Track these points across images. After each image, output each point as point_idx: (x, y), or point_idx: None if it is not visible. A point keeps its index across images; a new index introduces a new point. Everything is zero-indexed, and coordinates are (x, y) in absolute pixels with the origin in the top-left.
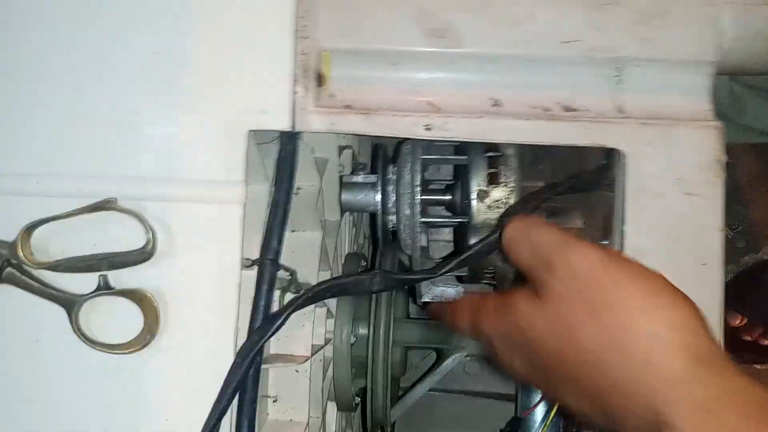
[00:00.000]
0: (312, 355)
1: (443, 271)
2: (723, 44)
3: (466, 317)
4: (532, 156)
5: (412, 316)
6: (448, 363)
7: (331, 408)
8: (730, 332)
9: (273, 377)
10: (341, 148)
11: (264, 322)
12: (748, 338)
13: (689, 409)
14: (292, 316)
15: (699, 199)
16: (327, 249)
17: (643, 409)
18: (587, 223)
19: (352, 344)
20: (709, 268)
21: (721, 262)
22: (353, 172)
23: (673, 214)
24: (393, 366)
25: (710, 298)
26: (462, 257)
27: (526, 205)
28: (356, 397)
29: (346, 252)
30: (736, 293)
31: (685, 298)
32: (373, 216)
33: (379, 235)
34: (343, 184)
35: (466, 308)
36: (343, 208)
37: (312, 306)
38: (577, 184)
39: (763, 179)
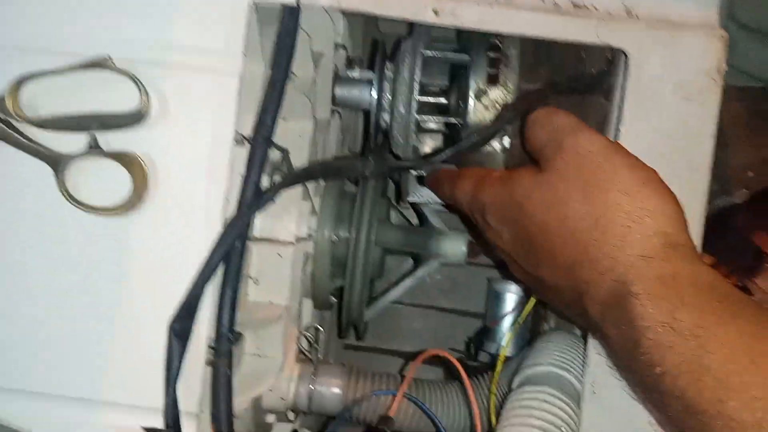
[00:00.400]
0: (296, 242)
1: (436, 158)
2: None
3: (470, 183)
4: (533, 59)
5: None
6: (424, 269)
7: (307, 304)
8: None
9: (256, 259)
10: (337, 46)
11: (254, 197)
12: None
13: (651, 282)
14: (279, 204)
15: (695, 105)
16: (316, 142)
17: (612, 282)
18: None
19: (333, 242)
20: (698, 173)
21: (709, 169)
22: (349, 66)
23: (669, 118)
24: (372, 265)
25: (696, 203)
26: (457, 147)
27: (525, 101)
28: (332, 297)
29: (333, 155)
30: (706, 234)
31: (670, 192)
32: (366, 115)
33: (371, 135)
34: (338, 79)
35: (471, 175)
36: (337, 103)
37: (299, 197)
38: (576, 85)
39: (746, 125)
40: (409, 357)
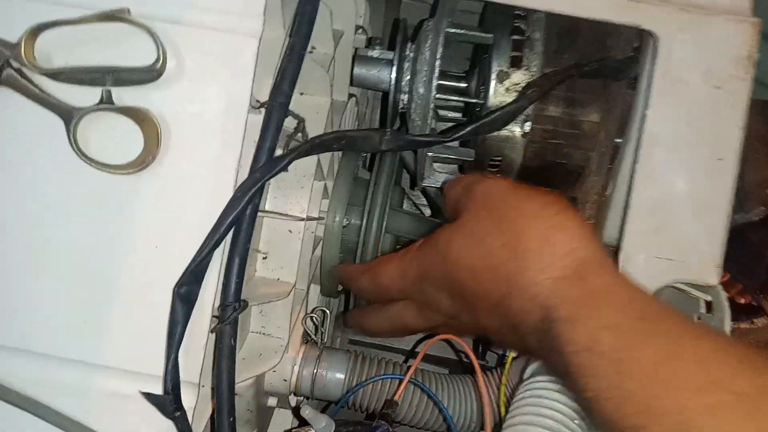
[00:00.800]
0: (307, 219)
1: (458, 135)
2: None
3: (394, 264)
4: (557, 45)
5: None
6: None
7: (314, 291)
8: None
9: (266, 234)
10: (357, 28)
11: (267, 162)
12: (727, 295)
13: (572, 305)
14: (292, 179)
15: (724, 93)
16: (332, 121)
17: (538, 309)
18: (603, 117)
19: (344, 227)
20: (725, 163)
21: (737, 160)
22: (368, 46)
23: (696, 105)
24: (382, 252)
25: (722, 193)
26: (479, 122)
27: (549, 79)
28: (339, 285)
29: None
30: None
31: (573, 211)
32: (384, 97)
33: (388, 117)
34: (358, 57)
35: (390, 258)
36: (354, 83)
37: (312, 175)
38: (602, 69)
39: (763, 139)
40: (413, 356)
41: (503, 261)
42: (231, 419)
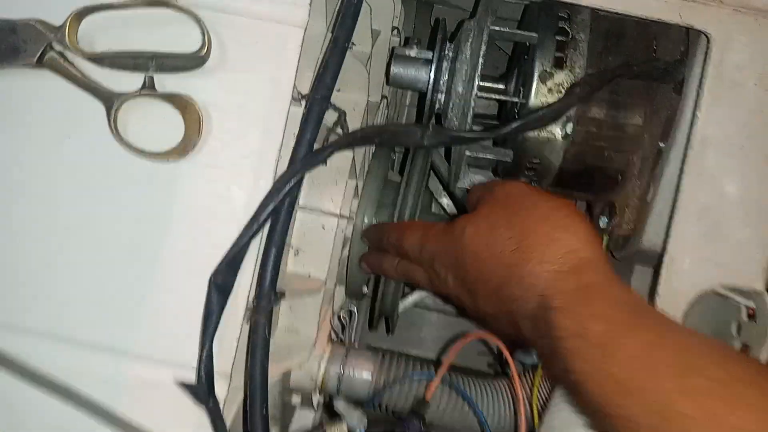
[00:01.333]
0: (340, 216)
1: (503, 131)
2: None
3: (417, 235)
4: (602, 46)
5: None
6: None
7: (339, 291)
8: None
9: (298, 229)
10: (393, 29)
11: (307, 155)
12: None
13: (568, 295)
14: (327, 175)
15: None
16: (367, 120)
17: (536, 296)
18: (647, 120)
19: None
20: None
21: None
22: (406, 45)
23: (749, 108)
24: None
25: None
26: (526, 119)
27: (597, 79)
28: (365, 286)
29: None
30: None
31: (582, 217)
32: (420, 97)
33: (424, 116)
34: (395, 57)
35: (417, 227)
36: (391, 82)
37: (347, 173)
38: (650, 70)
39: None
40: (435, 364)
41: (507, 251)
42: (264, 412)
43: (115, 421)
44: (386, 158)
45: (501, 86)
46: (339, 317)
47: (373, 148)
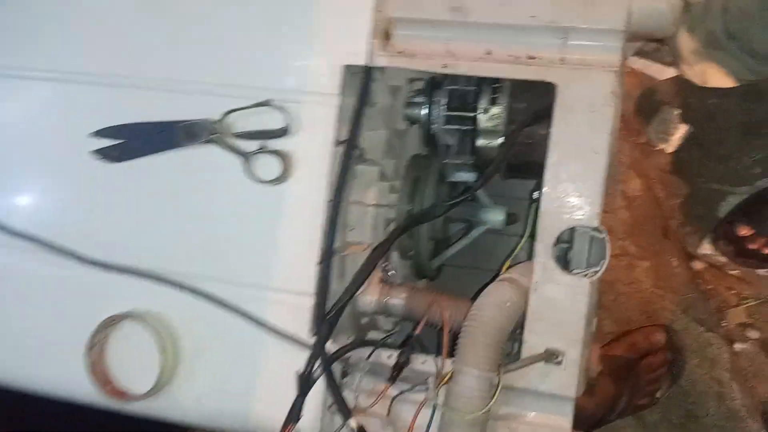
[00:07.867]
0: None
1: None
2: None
3: None
4: (519, 90)
5: None
6: (474, 232)
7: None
8: (738, 240)
9: (352, 214)
10: (410, 80)
11: (342, 177)
12: (753, 247)
13: None
14: (364, 181)
15: (599, 113)
16: (392, 144)
17: None
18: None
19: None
20: (599, 155)
21: (609, 151)
22: (416, 95)
23: (581, 123)
24: (434, 229)
25: (596, 175)
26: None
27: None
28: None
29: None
30: (747, 209)
31: None
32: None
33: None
34: (405, 104)
35: None
36: (405, 119)
37: (376, 178)
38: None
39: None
40: None
41: None
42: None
43: (265, 328)
44: (416, 165)
45: (467, 114)
46: (385, 267)
47: (408, 158)
